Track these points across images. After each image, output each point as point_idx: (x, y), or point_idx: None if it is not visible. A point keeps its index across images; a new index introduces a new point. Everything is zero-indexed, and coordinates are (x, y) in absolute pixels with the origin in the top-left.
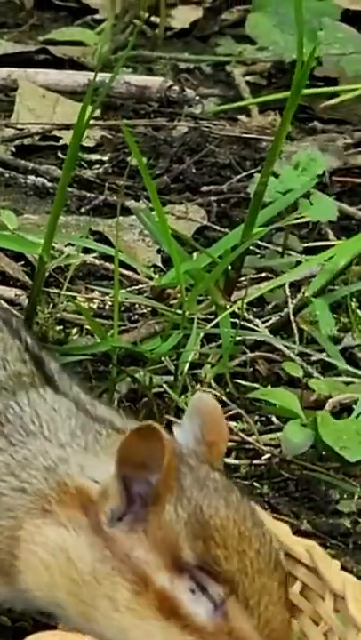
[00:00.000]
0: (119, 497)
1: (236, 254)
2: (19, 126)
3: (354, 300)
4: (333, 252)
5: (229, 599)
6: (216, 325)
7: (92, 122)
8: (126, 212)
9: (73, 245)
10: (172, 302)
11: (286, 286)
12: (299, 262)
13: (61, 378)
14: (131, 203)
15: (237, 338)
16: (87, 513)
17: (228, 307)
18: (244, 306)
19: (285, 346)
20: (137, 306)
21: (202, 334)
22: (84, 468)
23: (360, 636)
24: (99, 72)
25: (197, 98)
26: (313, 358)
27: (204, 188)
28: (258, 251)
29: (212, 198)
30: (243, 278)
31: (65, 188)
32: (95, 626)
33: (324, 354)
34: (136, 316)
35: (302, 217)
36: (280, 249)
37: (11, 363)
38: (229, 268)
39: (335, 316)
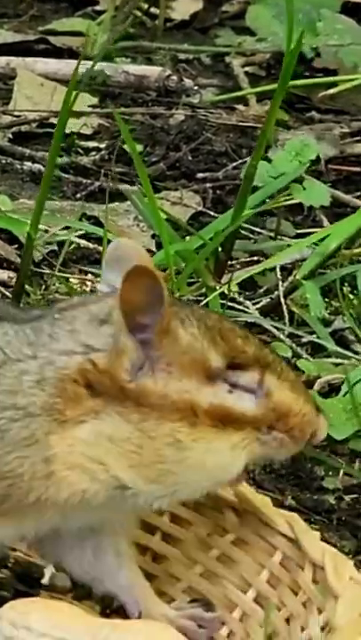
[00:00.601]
0: (135, 347)
1: (225, 234)
2: (16, 113)
3: (346, 284)
4: (324, 234)
5: (265, 376)
6: (206, 306)
7: (89, 110)
8: (121, 198)
9: (67, 229)
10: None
11: (277, 269)
12: (290, 247)
13: (15, 312)
14: (125, 187)
15: None
16: (97, 393)
17: (217, 288)
18: (236, 289)
19: (275, 327)
20: None
21: None
22: (75, 350)
23: (338, 605)
24: (98, 62)
25: (196, 88)
26: (303, 340)
27: (200, 175)
28: (251, 236)
29: (208, 185)
30: (235, 262)
31: (53, 164)
32: (171, 483)
33: (314, 336)
34: None
35: (292, 198)
36: (273, 234)
37: None
38: (220, 250)
39: (326, 300)
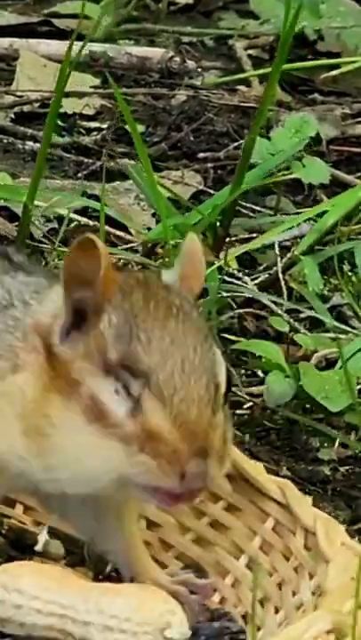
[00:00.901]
0: (65, 312)
1: (221, 207)
2: (18, 94)
3: (345, 262)
4: (322, 209)
5: (144, 391)
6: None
7: (91, 90)
8: (123, 177)
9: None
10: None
11: (276, 246)
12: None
13: (29, 264)
14: (124, 161)
15: (226, 294)
16: (45, 347)
17: (215, 262)
18: (235, 265)
19: (273, 302)
20: (130, 266)
21: None
22: (43, 304)
23: (329, 570)
24: (102, 43)
25: (199, 70)
26: (301, 315)
27: (201, 155)
28: (252, 214)
29: (209, 165)
30: (234, 238)
31: (50, 137)
32: (49, 461)
33: (313, 311)
34: None
35: (291, 173)
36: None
37: None
38: (218, 225)
39: (325, 277)
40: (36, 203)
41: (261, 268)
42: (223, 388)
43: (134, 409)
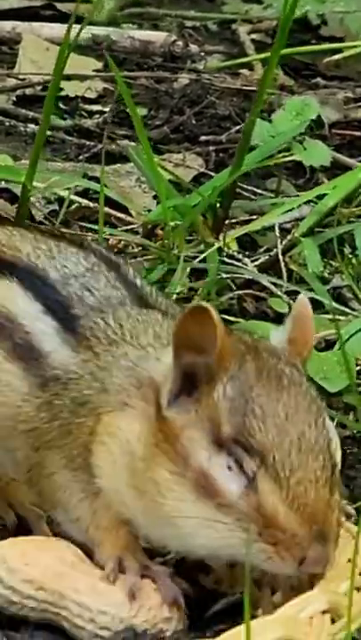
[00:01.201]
0: (173, 377)
1: (221, 189)
2: (21, 77)
3: (346, 245)
4: (322, 191)
5: (259, 471)
6: (203, 262)
7: (93, 74)
8: (124, 160)
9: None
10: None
11: (276, 228)
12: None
13: (152, 295)
14: (125, 142)
15: (225, 275)
16: (155, 405)
17: (215, 244)
18: (236, 247)
19: (273, 283)
20: (130, 247)
21: (188, 269)
22: (160, 361)
23: None
24: (105, 27)
25: (202, 54)
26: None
27: (203, 138)
28: (253, 197)
29: (211, 148)
30: (235, 220)
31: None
32: (153, 523)
33: (312, 293)
34: (128, 257)
35: (291, 154)
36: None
37: (100, 290)
38: (218, 207)
39: (325, 260)
40: (37, 185)
41: (262, 250)
42: (339, 464)
43: (249, 487)
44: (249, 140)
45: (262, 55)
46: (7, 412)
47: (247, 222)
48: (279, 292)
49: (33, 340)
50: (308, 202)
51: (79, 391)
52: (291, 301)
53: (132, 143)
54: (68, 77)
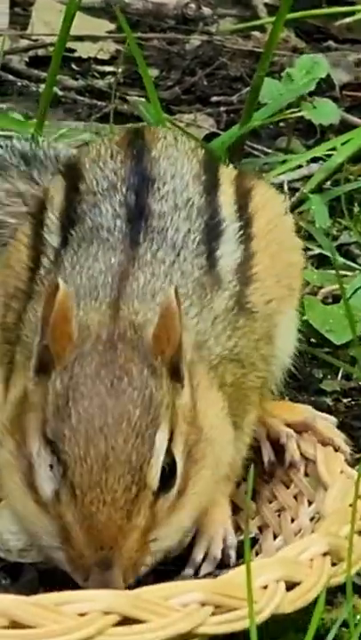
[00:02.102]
0: (35, 353)
1: (229, 143)
2: (33, 38)
3: (355, 203)
4: (330, 147)
5: (62, 481)
6: None
7: (106, 35)
8: (136, 120)
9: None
10: None
11: (285, 185)
12: (300, 165)
13: None
14: (133, 99)
15: None
16: None
17: None
18: None
19: None
20: None
21: None
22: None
23: (327, 496)
24: None
25: (215, 17)
26: (309, 253)
27: (214, 99)
28: (263, 156)
29: (222, 109)
30: None
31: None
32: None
33: (320, 249)
34: None
35: (299, 110)
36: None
37: None
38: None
39: (333, 218)
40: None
41: None
42: (155, 485)
43: (57, 494)
44: (257, 95)
45: (274, 18)
46: None
47: None
48: None
49: None
50: (317, 160)
51: None
52: None
53: (142, 99)
54: (81, 39)
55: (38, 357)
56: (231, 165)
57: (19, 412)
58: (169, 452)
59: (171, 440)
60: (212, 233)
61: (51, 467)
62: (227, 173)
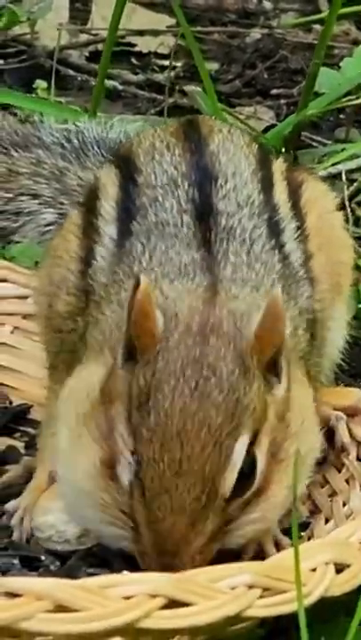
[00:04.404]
0: (123, 341)
1: (284, 131)
2: (93, 32)
3: None
4: None
5: (135, 480)
6: None
7: (166, 29)
8: (195, 113)
9: None
10: None
11: (343, 174)
12: (358, 155)
13: None
14: (190, 87)
15: None
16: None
17: None
18: None
19: None
20: None
21: None
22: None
23: None
24: None
25: (276, 11)
26: None
27: (275, 92)
28: (321, 147)
29: (282, 101)
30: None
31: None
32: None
33: None
34: None
35: (357, 98)
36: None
37: None
38: (283, 152)
39: None
40: None
41: None
42: (227, 493)
43: (131, 488)
44: (313, 84)
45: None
46: None
47: (315, 169)
48: None
49: None
50: None
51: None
52: (356, 246)
53: (198, 88)
54: (141, 33)
55: (126, 345)
56: (280, 159)
57: (103, 398)
58: (250, 454)
59: (253, 443)
60: (275, 230)
61: (132, 453)
62: (278, 167)
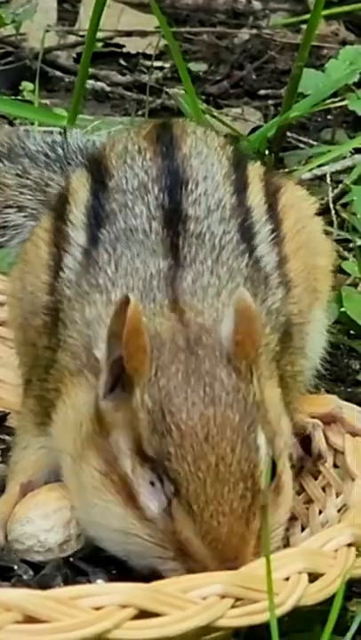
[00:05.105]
0: (105, 368)
1: (267, 132)
2: (81, 34)
3: None
4: None
5: (174, 500)
6: None
7: (154, 30)
8: (182, 115)
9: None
10: None
11: (328, 176)
12: (344, 157)
13: None
14: (174, 91)
15: None
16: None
17: None
18: None
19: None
20: None
21: None
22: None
23: (354, 486)
24: None
25: (266, 11)
26: (351, 245)
27: (262, 92)
28: (307, 149)
29: (270, 102)
30: (288, 170)
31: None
32: (80, 507)
33: None
34: None
35: (343, 99)
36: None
37: None
38: (267, 154)
39: None
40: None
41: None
42: (265, 486)
43: (167, 511)
44: (296, 85)
45: (325, 12)
46: None
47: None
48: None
49: None
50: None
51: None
52: (340, 249)
53: (181, 91)
54: (129, 34)
55: (110, 374)
56: (258, 163)
57: (97, 429)
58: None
59: None
60: (247, 234)
61: (152, 484)
62: (255, 170)
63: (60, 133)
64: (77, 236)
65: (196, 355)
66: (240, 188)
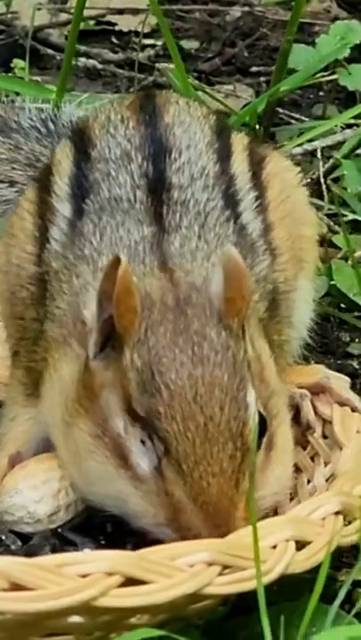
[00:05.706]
0: (95, 327)
1: (255, 107)
2: (72, 11)
3: None
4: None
5: (164, 459)
6: None
7: (146, 8)
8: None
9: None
10: None
11: (318, 151)
12: (335, 132)
13: None
14: (163, 65)
15: None
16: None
17: None
18: None
19: (314, 205)
20: None
21: None
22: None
23: (342, 455)
24: None
25: None
26: (342, 219)
27: (254, 69)
28: (297, 124)
29: (262, 79)
30: (278, 145)
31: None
32: (74, 470)
33: (354, 214)
34: None
35: (333, 74)
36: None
37: None
38: (258, 129)
39: None
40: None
41: (304, 174)
42: (254, 447)
43: (157, 470)
44: (286, 61)
45: None
46: None
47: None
48: (320, 214)
49: None
50: (351, 127)
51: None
52: (331, 223)
53: (170, 65)
54: (122, 12)
55: (100, 334)
56: (242, 133)
57: (86, 393)
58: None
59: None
60: (231, 201)
61: (143, 442)
62: (239, 139)
63: (52, 108)
64: (62, 207)
65: (185, 314)
66: (223, 155)
